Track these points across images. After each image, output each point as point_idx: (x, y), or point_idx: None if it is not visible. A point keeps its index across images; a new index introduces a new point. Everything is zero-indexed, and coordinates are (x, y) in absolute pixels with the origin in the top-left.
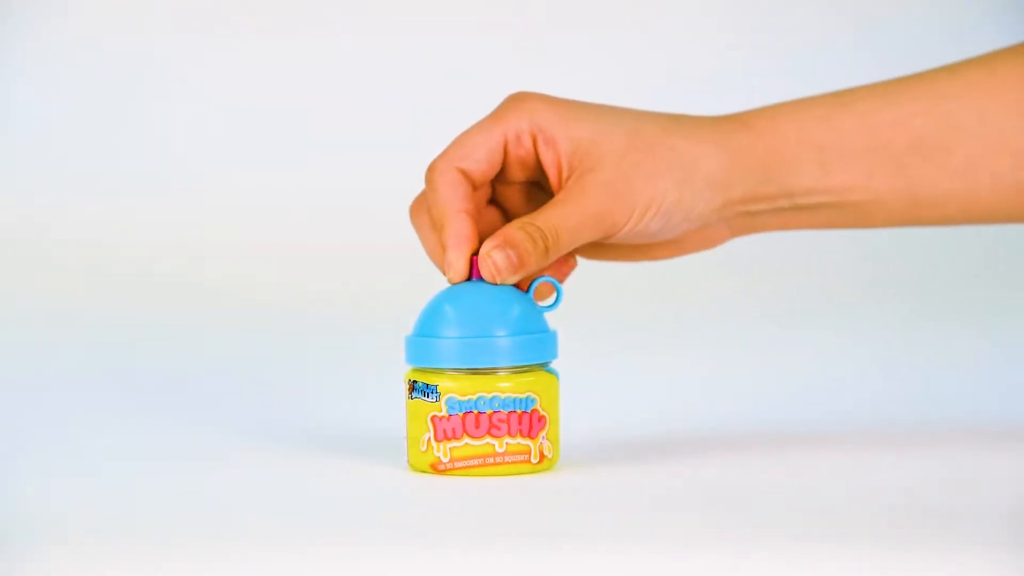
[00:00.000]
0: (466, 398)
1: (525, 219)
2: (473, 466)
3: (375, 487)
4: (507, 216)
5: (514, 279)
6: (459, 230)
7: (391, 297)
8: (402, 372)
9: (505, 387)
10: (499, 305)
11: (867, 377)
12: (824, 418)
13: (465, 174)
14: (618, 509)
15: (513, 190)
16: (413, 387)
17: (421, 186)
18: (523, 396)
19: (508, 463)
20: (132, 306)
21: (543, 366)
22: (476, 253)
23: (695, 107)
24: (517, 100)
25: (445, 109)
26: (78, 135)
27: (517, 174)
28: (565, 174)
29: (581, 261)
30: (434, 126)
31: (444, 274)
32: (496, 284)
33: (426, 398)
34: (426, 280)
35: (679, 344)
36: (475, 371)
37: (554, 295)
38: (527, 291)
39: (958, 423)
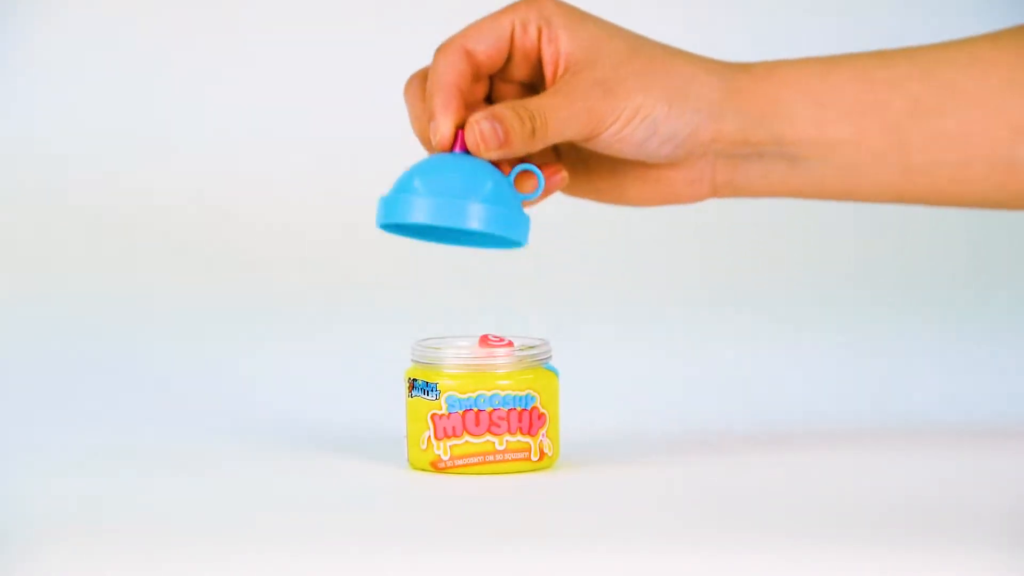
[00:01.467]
0: (466, 396)
1: (515, 101)
2: (473, 464)
3: (375, 486)
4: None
5: (497, 154)
6: (447, 99)
7: (392, 296)
8: (402, 371)
9: (505, 385)
10: (479, 174)
11: (867, 377)
12: (824, 418)
13: (469, 55)
14: (618, 507)
15: (510, 90)
16: (413, 385)
17: None
18: (523, 394)
19: (508, 461)
20: (130, 305)
21: (542, 364)
22: (462, 127)
23: None
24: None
25: None
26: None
27: (518, 69)
28: (561, 71)
29: (582, 261)
30: None
31: (429, 141)
32: (478, 155)
33: (426, 396)
34: (428, 279)
35: (679, 343)
36: (475, 369)
37: (536, 184)
38: (509, 175)
39: (958, 423)
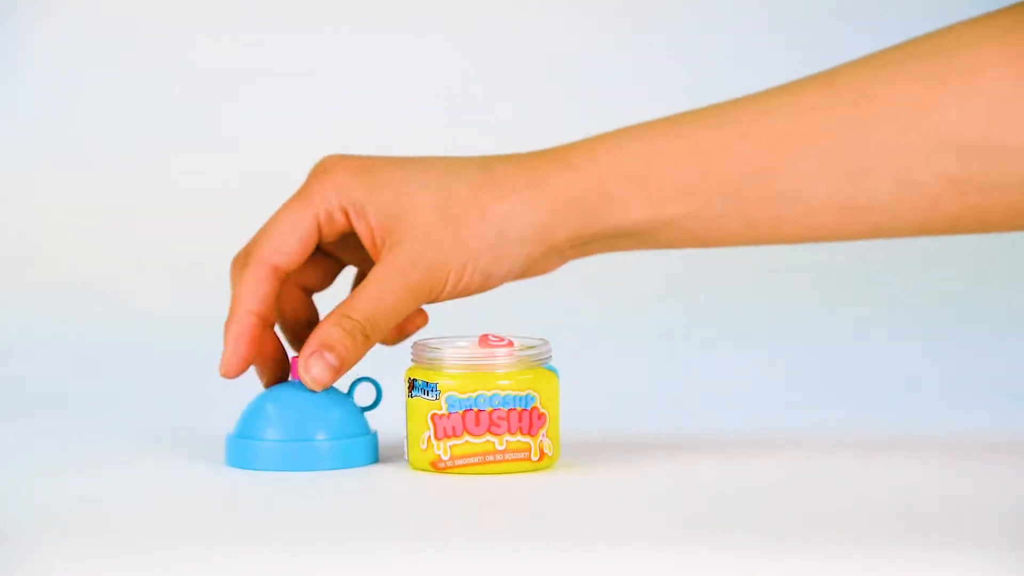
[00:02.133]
0: (466, 396)
1: (340, 312)
2: (473, 464)
3: (375, 486)
4: (337, 260)
5: (336, 380)
6: (241, 331)
7: None
8: (402, 370)
9: (505, 385)
10: (318, 409)
11: (867, 377)
12: (824, 418)
13: (275, 270)
14: (618, 508)
15: (337, 244)
16: (413, 385)
17: None
18: (523, 394)
19: (508, 461)
20: (131, 304)
21: (542, 364)
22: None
23: (692, 94)
24: (322, 174)
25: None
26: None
27: (336, 243)
28: (379, 244)
29: (582, 261)
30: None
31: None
32: (315, 390)
33: (426, 396)
34: None
35: (679, 342)
36: (475, 369)
37: (375, 395)
38: (349, 391)
39: (958, 423)
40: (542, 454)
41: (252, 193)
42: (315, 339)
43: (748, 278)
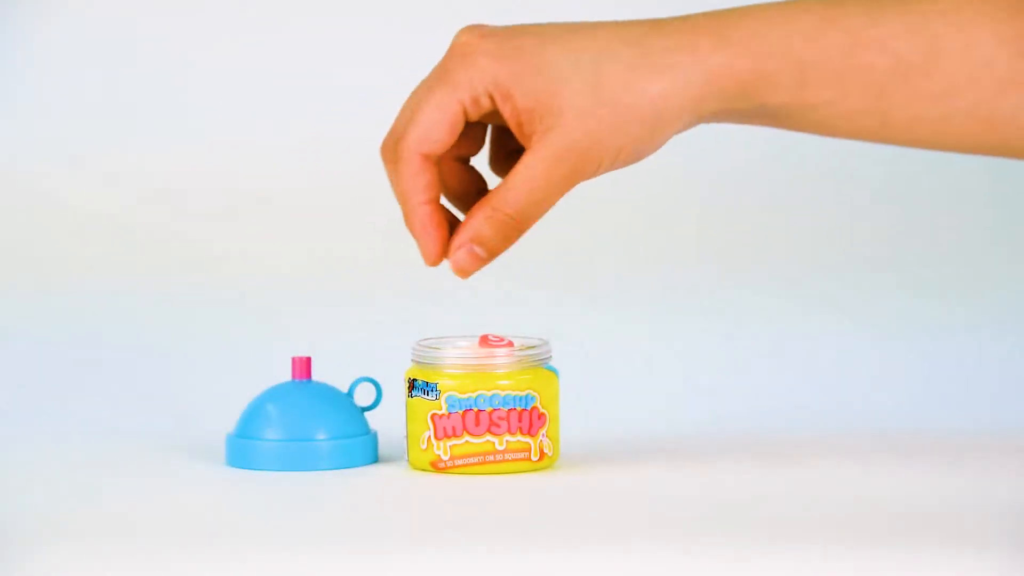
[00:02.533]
0: (466, 396)
1: (492, 204)
2: (473, 464)
3: (375, 486)
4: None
5: (482, 268)
6: (424, 222)
7: (391, 294)
8: (402, 370)
9: (505, 385)
10: (317, 409)
11: (867, 377)
12: (825, 419)
13: (426, 158)
14: (618, 508)
15: (479, 131)
16: (413, 385)
17: None
18: (523, 394)
19: (508, 461)
20: (131, 304)
21: (542, 364)
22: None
23: None
24: (464, 57)
25: None
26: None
27: (479, 129)
28: (527, 129)
29: (583, 261)
30: None
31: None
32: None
33: (426, 396)
34: (427, 278)
35: (679, 342)
36: (475, 369)
37: (374, 395)
38: (348, 391)
39: (958, 424)
40: (542, 454)
41: (253, 191)
42: (466, 231)
43: (749, 278)
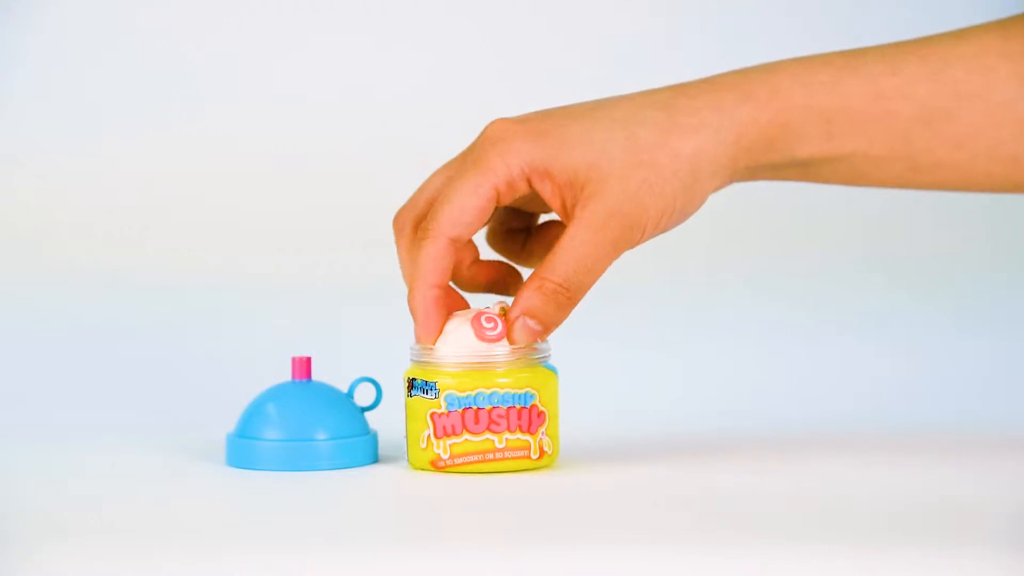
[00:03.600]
0: (465, 394)
1: (541, 276)
2: (473, 462)
3: (375, 486)
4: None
5: (544, 337)
6: (428, 307)
7: (391, 294)
8: (401, 369)
9: (504, 383)
10: (318, 408)
11: (868, 378)
12: (825, 418)
13: (453, 243)
14: (618, 506)
15: (515, 214)
16: (412, 384)
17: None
18: (522, 392)
19: (508, 459)
20: (133, 303)
21: (542, 362)
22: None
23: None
24: (498, 143)
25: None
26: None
27: (514, 213)
28: (569, 203)
29: None
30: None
31: (413, 288)
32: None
33: (425, 395)
34: None
35: (679, 341)
36: (474, 367)
37: (374, 395)
38: (348, 391)
39: (958, 424)
40: (542, 452)
41: (254, 191)
42: (519, 305)
43: (750, 278)
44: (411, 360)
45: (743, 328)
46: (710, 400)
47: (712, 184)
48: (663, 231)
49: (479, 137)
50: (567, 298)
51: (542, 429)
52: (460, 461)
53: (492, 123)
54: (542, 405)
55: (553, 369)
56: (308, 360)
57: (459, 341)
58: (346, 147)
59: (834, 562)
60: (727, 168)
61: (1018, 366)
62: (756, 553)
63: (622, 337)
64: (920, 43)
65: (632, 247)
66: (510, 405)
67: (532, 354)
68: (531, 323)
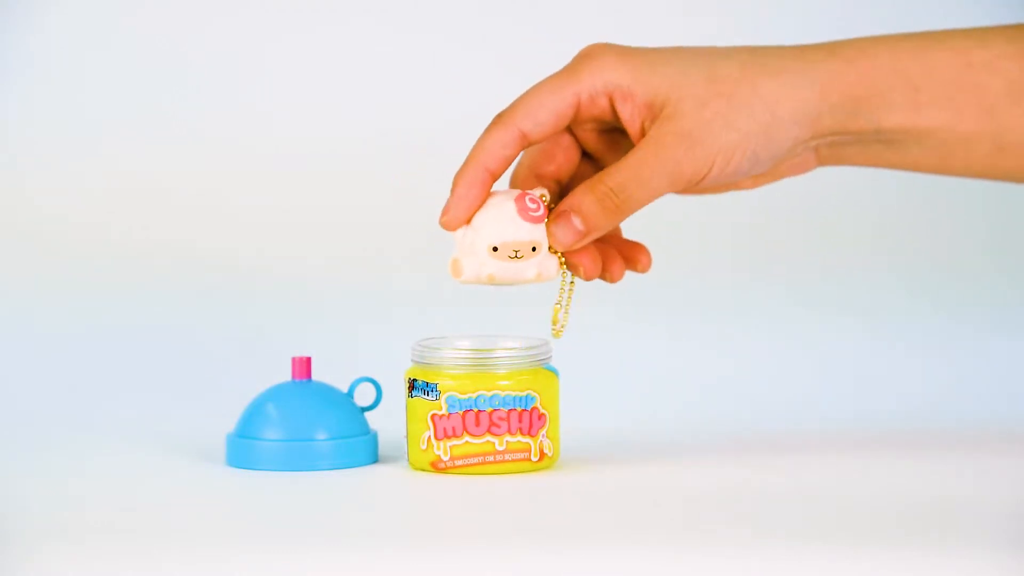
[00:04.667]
0: (466, 396)
1: (595, 179)
2: (473, 464)
3: (375, 486)
4: (585, 154)
5: (583, 244)
6: (471, 181)
7: (391, 294)
8: (401, 369)
9: (505, 385)
10: (319, 408)
11: (867, 378)
12: (825, 418)
13: (523, 137)
14: (618, 508)
15: (590, 133)
16: (413, 385)
17: (419, 189)
18: (523, 394)
19: (508, 461)
20: (133, 304)
21: (542, 364)
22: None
23: None
24: (589, 57)
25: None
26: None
27: (591, 128)
28: (645, 127)
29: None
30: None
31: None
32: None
33: (426, 396)
34: (426, 279)
35: (680, 342)
36: (475, 369)
37: (375, 394)
38: (348, 391)
39: (958, 424)
40: (542, 454)
41: (254, 192)
42: (565, 202)
43: (750, 278)
44: (412, 360)
45: (743, 328)
46: (710, 401)
47: (792, 132)
48: (735, 174)
49: (575, 55)
50: (615, 204)
51: (543, 431)
52: (460, 463)
53: (589, 45)
54: (543, 407)
55: (554, 371)
56: (308, 360)
57: (500, 216)
58: (346, 147)
59: (834, 562)
60: (809, 118)
61: (1018, 366)
62: (756, 553)
63: (623, 339)
64: (1007, 26)
65: (697, 179)
66: (511, 407)
67: (533, 356)
68: (575, 220)
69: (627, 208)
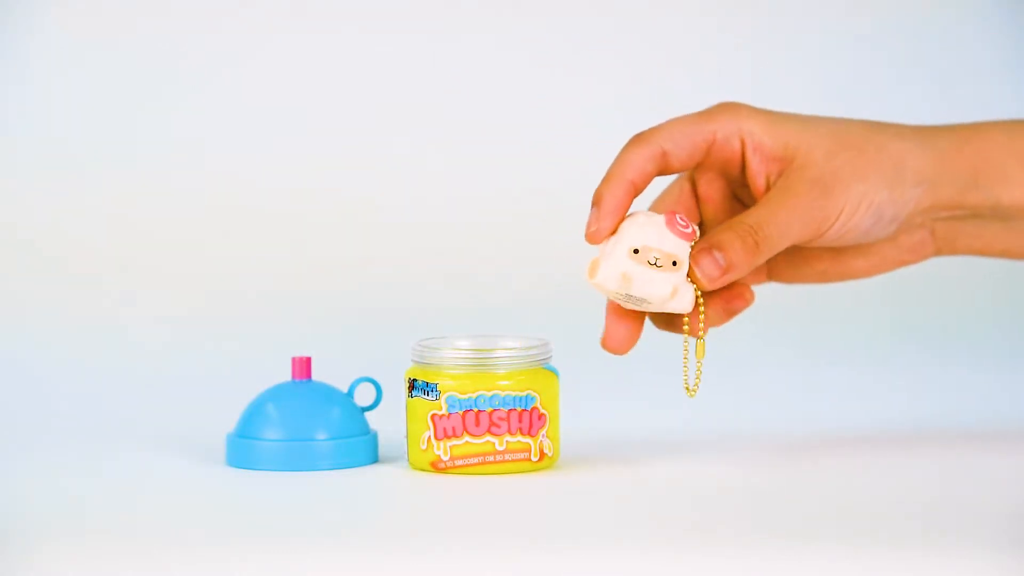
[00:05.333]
0: (466, 396)
1: (734, 220)
2: (473, 464)
3: (375, 486)
4: (702, 210)
5: (725, 281)
6: (617, 197)
7: (392, 294)
8: (402, 370)
9: (505, 385)
10: (319, 408)
11: (868, 376)
12: (825, 418)
13: (663, 156)
14: (618, 508)
15: (714, 187)
16: (413, 385)
17: (419, 189)
18: (523, 394)
19: (508, 461)
20: (130, 305)
21: (542, 364)
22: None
23: None
24: (725, 106)
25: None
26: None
27: (717, 174)
28: (771, 180)
29: (582, 260)
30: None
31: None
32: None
33: (426, 396)
34: (425, 281)
35: (679, 341)
36: (475, 369)
37: (374, 395)
38: (348, 391)
39: (958, 424)
40: (542, 454)
41: (254, 191)
42: (707, 239)
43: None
44: (412, 360)
45: (744, 326)
46: (711, 401)
47: (914, 194)
48: (856, 228)
49: (712, 105)
50: (755, 242)
51: (543, 431)
52: (460, 463)
53: (725, 100)
54: (543, 407)
55: (554, 371)
56: (308, 360)
57: (648, 223)
58: (346, 146)
59: (834, 562)
60: (930, 184)
61: (1018, 367)
62: (756, 553)
63: None
64: None
65: (825, 225)
66: (511, 407)
67: (533, 356)
68: (718, 255)
69: (765, 248)
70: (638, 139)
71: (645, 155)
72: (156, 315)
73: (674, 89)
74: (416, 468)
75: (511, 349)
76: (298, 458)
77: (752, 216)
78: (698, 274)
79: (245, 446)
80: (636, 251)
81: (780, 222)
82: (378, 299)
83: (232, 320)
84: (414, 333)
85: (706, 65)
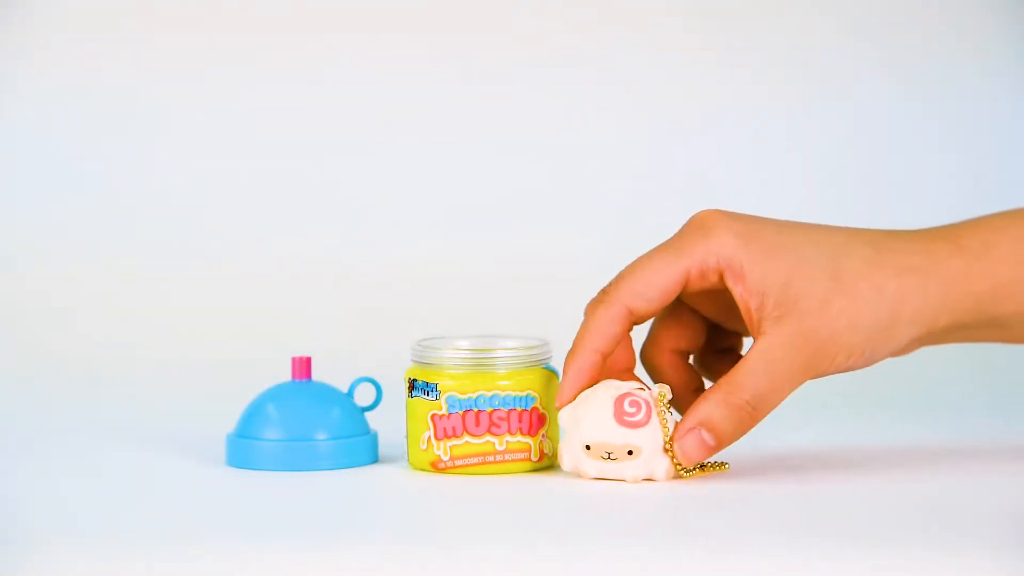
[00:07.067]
0: (466, 396)
1: (726, 389)
2: (473, 464)
3: (375, 486)
4: (700, 315)
5: (711, 456)
6: (581, 369)
7: (391, 294)
8: (401, 369)
9: (505, 385)
10: (319, 407)
11: (868, 377)
12: (824, 420)
13: (630, 312)
14: (618, 508)
15: (705, 301)
16: (413, 385)
17: (419, 190)
18: (523, 394)
19: (508, 461)
20: (130, 313)
21: (542, 364)
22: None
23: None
24: (702, 229)
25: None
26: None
27: (698, 299)
28: (756, 314)
29: (583, 260)
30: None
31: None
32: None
33: (426, 396)
34: (424, 281)
35: None
36: (475, 369)
37: (374, 394)
38: (349, 391)
39: (959, 425)
40: (542, 454)
41: (254, 190)
42: (695, 415)
43: None
44: (412, 360)
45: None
46: None
47: (908, 332)
48: (847, 369)
49: (687, 222)
50: (750, 416)
51: (543, 431)
52: (460, 463)
53: (703, 211)
54: (543, 407)
55: (554, 371)
56: (308, 360)
57: (599, 414)
58: (347, 146)
59: (835, 562)
60: (928, 321)
61: (1017, 368)
62: (757, 553)
63: None
64: None
65: (816, 376)
66: (511, 407)
67: (533, 356)
68: (706, 436)
69: (759, 416)
70: (603, 298)
71: (608, 318)
72: (156, 315)
73: (681, 91)
74: (416, 468)
75: (511, 349)
76: (298, 458)
77: (746, 387)
78: (678, 452)
79: (245, 446)
80: (588, 447)
81: (779, 386)
82: (378, 299)
83: (232, 320)
84: (414, 333)
85: (707, 56)
